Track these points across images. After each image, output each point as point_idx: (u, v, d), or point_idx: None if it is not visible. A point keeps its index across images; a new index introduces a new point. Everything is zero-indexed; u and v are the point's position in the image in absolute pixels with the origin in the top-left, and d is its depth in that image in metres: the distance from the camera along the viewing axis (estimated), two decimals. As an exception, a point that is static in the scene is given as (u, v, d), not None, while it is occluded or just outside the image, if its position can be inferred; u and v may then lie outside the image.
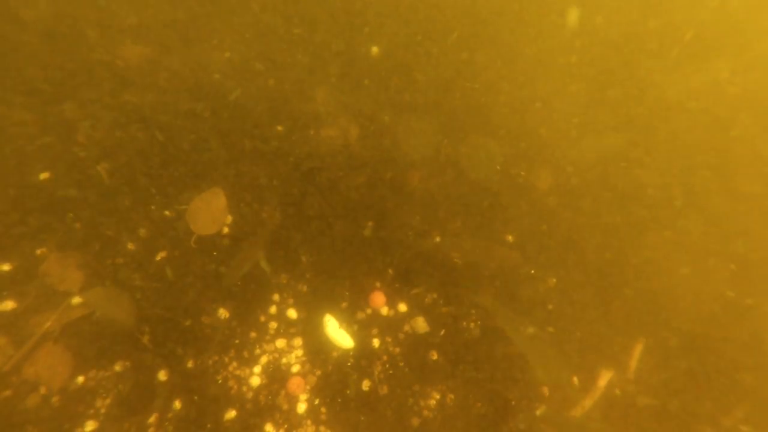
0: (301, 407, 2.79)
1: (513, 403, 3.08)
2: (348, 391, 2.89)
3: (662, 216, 4.41)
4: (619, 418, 3.23)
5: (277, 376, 2.85)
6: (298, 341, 3.01)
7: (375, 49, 4.73)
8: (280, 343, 2.97)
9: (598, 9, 6.08)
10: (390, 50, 4.77)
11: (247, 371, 2.83)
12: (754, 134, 5.24)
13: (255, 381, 2.81)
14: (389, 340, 3.13)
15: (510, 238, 3.84)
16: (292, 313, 3.09)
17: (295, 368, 2.91)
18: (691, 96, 5.43)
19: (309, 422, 2.76)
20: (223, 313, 2.98)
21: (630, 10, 6.22)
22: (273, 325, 3.03)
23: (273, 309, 3.08)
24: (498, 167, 4.24)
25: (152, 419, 2.57)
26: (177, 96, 3.83)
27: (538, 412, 3.06)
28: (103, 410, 2.54)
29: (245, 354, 2.88)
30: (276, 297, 3.13)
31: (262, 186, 3.55)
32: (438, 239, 3.65)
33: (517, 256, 3.69)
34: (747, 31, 6.36)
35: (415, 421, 2.88)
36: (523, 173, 4.29)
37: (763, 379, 3.64)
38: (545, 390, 3.19)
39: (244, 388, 2.78)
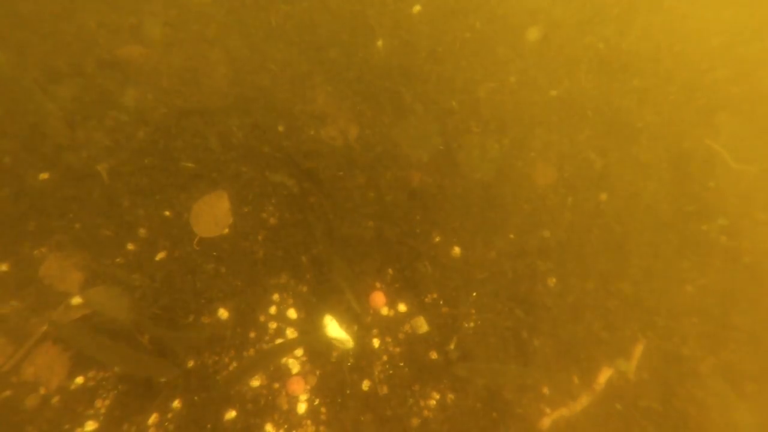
0: (301, 407, 2.79)
1: (513, 403, 3.08)
2: (348, 391, 2.89)
3: (663, 215, 4.41)
4: (620, 418, 3.23)
5: (277, 376, 2.85)
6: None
7: (375, 49, 4.73)
8: (280, 343, 2.97)
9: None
10: (391, 50, 4.77)
11: (247, 371, 2.83)
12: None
13: (255, 381, 2.81)
14: (389, 340, 3.13)
15: (511, 236, 3.84)
16: (292, 313, 3.09)
17: (295, 368, 2.91)
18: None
19: (309, 422, 2.75)
20: (223, 313, 2.97)
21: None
22: (273, 325, 3.02)
23: (273, 309, 3.08)
24: (498, 167, 4.24)
25: (152, 419, 2.56)
26: (177, 96, 3.83)
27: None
28: (103, 410, 2.54)
29: (245, 354, 2.88)
30: (276, 297, 3.13)
31: (262, 186, 3.55)
32: (438, 239, 3.65)
33: (517, 256, 3.69)
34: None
35: (415, 421, 2.88)
36: (523, 173, 4.29)
37: (765, 381, 3.64)
38: (545, 389, 3.20)
39: (244, 388, 2.78)
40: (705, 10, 6.61)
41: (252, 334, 2.96)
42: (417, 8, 5.18)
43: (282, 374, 2.87)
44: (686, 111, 5.35)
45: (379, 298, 3.24)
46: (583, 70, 5.38)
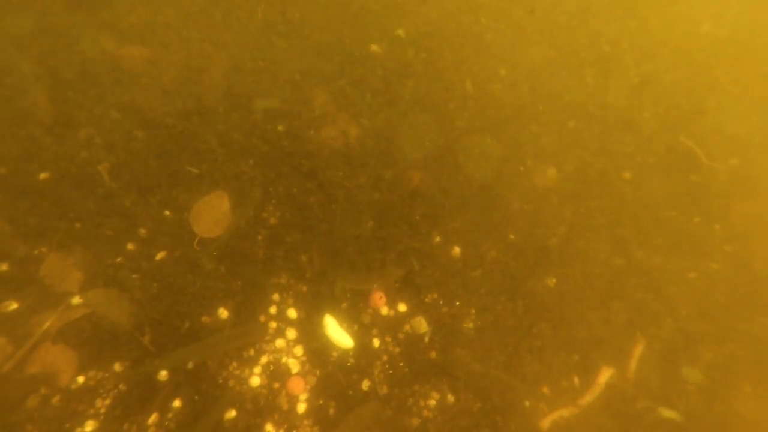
0: (301, 407, 2.79)
1: (513, 402, 3.08)
2: (348, 391, 2.89)
3: (663, 214, 4.41)
4: (619, 418, 3.23)
5: (277, 376, 2.86)
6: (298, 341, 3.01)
7: (375, 49, 4.73)
8: (280, 343, 2.98)
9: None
10: (390, 50, 4.77)
11: (247, 371, 2.83)
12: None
13: (255, 381, 2.81)
14: (389, 340, 3.13)
15: (511, 236, 3.84)
16: (292, 313, 3.09)
17: (295, 368, 2.91)
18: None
19: (309, 422, 2.76)
20: (223, 312, 2.98)
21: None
22: (273, 325, 3.03)
23: (273, 309, 3.08)
24: (498, 167, 4.24)
25: (152, 419, 2.57)
26: (177, 96, 3.83)
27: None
28: (103, 410, 2.54)
29: (245, 354, 2.88)
30: (276, 297, 3.13)
31: (262, 186, 3.55)
32: (438, 239, 3.65)
33: (517, 256, 3.69)
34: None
35: (415, 421, 2.88)
36: (523, 173, 4.29)
37: (764, 381, 3.64)
38: (545, 389, 3.20)
39: (244, 388, 2.78)
40: (705, 7, 6.61)
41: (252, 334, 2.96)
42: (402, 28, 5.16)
43: (282, 374, 2.87)
44: (682, 107, 5.34)
45: (379, 298, 3.24)
46: (584, 68, 5.38)
